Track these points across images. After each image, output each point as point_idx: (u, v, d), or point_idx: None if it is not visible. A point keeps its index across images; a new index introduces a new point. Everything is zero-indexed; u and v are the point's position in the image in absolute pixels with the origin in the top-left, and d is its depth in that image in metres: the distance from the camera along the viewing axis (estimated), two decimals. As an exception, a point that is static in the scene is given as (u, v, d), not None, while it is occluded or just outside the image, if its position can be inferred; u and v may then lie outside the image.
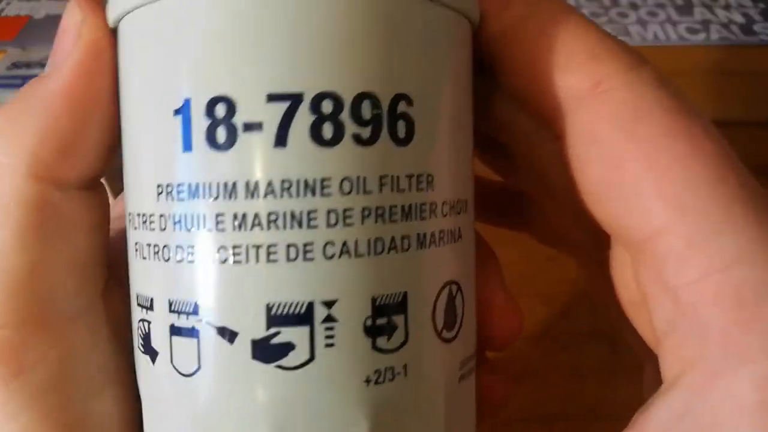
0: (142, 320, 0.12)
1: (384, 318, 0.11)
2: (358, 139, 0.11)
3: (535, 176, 0.15)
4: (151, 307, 0.12)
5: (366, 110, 0.11)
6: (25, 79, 0.34)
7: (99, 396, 0.13)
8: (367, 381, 0.11)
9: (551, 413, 0.28)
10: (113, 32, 0.12)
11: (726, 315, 0.11)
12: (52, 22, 0.39)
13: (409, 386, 0.11)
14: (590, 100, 0.12)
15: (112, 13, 0.12)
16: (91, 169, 0.13)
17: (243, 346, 0.11)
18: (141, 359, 0.12)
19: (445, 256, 0.12)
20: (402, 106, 0.11)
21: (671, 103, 0.12)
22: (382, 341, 0.11)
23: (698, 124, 0.12)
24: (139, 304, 0.12)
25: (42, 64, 0.35)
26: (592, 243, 0.15)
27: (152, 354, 0.12)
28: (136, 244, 0.12)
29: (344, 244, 0.11)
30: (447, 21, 0.12)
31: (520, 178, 0.17)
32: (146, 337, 0.12)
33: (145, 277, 0.12)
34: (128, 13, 0.12)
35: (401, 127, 0.11)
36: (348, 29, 0.11)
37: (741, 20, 0.39)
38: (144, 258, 0.12)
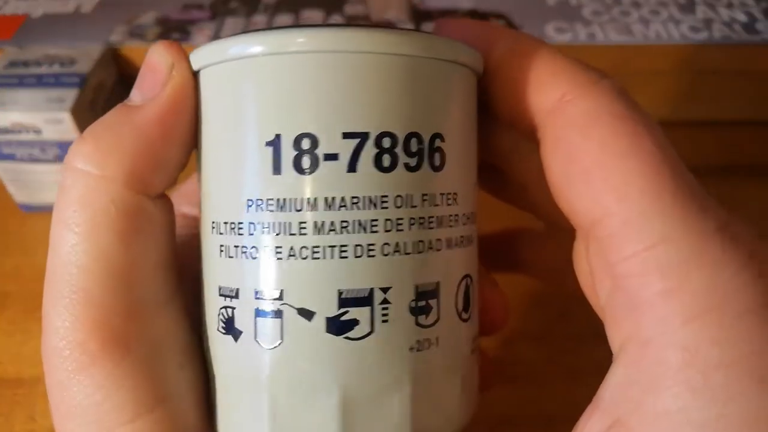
0: (225, 307, 0.15)
1: (423, 301, 0.14)
2: (407, 166, 0.14)
3: (520, 187, 0.19)
4: (236, 296, 0.15)
5: (414, 145, 0.14)
6: (22, 78, 0.34)
7: (181, 372, 0.15)
8: (411, 349, 0.14)
9: (551, 415, 0.28)
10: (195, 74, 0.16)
11: (652, 287, 0.13)
12: (49, 21, 0.39)
13: (439, 354, 0.15)
14: (556, 111, 0.15)
15: (197, 63, 0.15)
16: (172, 182, 0.16)
17: (319, 322, 0.14)
18: (221, 340, 0.15)
19: (463, 255, 0.15)
20: (437, 142, 0.15)
21: (622, 110, 0.14)
22: (422, 319, 0.14)
23: (642, 126, 0.14)
24: (221, 294, 0.15)
25: (39, 63, 0.35)
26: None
27: (235, 333, 0.15)
28: (221, 246, 0.15)
29: (396, 244, 0.14)
30: (463, 76, 0.16)
31: (509, 192, 0.21)
32: (229, 321, 0.15)
33: (230, 272, 0.15)
34: (215, 64, 0.15)
35: (437, 158, 0.15)
36: (400, 86, 0.14)
37: (743, 19, 0.38)
38: (230, 257, 0.15)
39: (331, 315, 0.14)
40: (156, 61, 0.15)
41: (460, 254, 0.15)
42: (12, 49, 0.36)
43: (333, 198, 0.14)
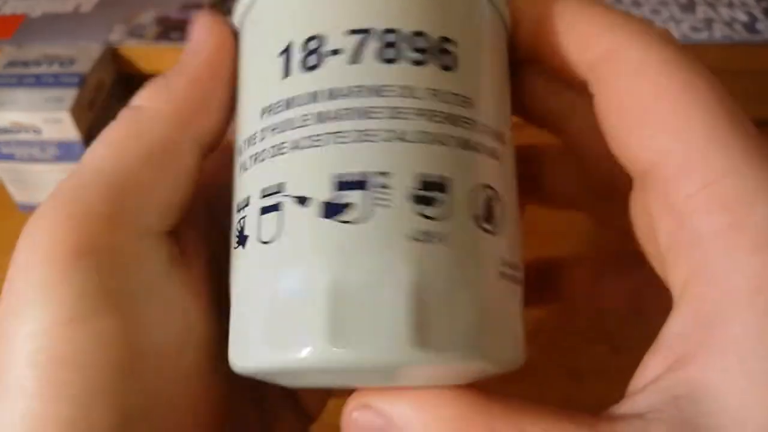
0: (239, 219, 0.15)
1: (430, 192, 0.14)
2: (413, 61, 0.14)
3: (574, 148, 0.19)
4: (247, 204, 0.15)
5: (420, 43, 0.15)
6: (21, 77, 0.34)
7: (150, 294, 0.15)
8: (412, 238, 0.13)
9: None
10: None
11: (718, 220, 0.13)
12: (48, 20, 0.39)
13: (448, 254, 0.13)
14: (606, 61, 0.15)
15: (236, 18, 0.17)
16: (217, 124, 0.17)
17: (314, 208, 0.14)
18: (235, 254, 0.15)
19: (482, 162, 0.15)
20: (446, 44, 0.15)
21: (672, 55, 0.14)
22: (428, 210, 0.13)
23: (693, 68, 0.14)
24: (237, 210, 0.15)
25: (38, 62, 0.35)
26: (595, 198, 0.19)
27: (244, 240, 0.15)
28: (241, 164, 0.16)
29: (398, 131, 0.14)
30: (484, 6, 0.16)
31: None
32: (241, 230, 0.15)
33: (245, 184, 0.15)
34: (248, 10, 0.17)
35: (446, 59, 0.15)
36: None
37: (744, 18, 0.38)
38: (246, 169, 0.15)
39: (325, 199, 0.13)
40: (200, 22, 0.17)
41: (479, 160, 0.14)
42: (11, 48, 0.36)
43: (336, 88, 0.14)
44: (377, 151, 0.14)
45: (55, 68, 0.34)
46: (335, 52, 0.14)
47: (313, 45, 0.15)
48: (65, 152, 0.33)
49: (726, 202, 0.13)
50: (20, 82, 0.33)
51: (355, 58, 0.14)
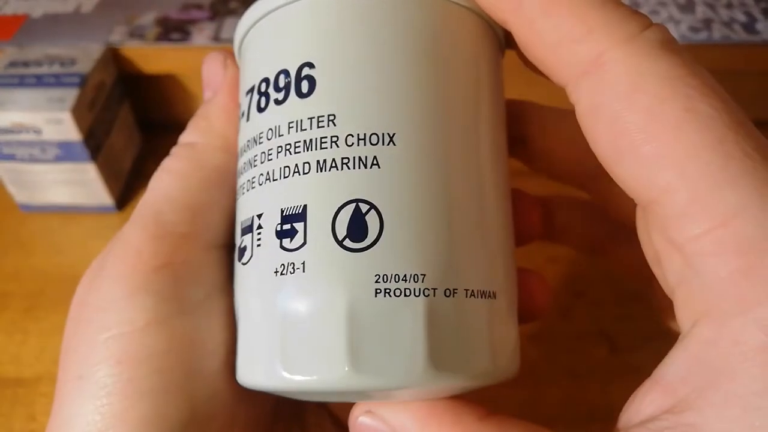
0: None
1: (288, 224, 0.14)
2: (275, 101, 0.15)
3: (549, 158, 0.19)
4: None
5: (281, 81, 0.15)
6: (22, 78, 0.34)
7: (210, 300, 0.17)
8: (275, 272, 0.14)
9: (551, 414, 0.28)
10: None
11: (729, 265, 0.12)
12: (49, 21, 0.39)
13: (308, 281, 0.14)
14: (594, 73, 0.13)
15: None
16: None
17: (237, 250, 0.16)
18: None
19: (349, 177, 0.14)
20: (308, 70, 0.15)
21: (668, 69, 0.13)
22: (287, 242, 0.14)
23: (693, 86, 0.13)
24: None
25: (39, 63, 0.35)
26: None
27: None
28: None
29: (266, 172, 0.15)
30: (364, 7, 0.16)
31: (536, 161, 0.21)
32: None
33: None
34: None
35: (304, 85, 0.15)
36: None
37: (743, 19, 0.38)
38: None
39: (237, 243, 0.16)
40: (214, 62, 0.19)
41: (343, 177, 0.14)
42: (12, 49, 0.36)
43: (242, 146, 0.17)
44: (255, 194, 0.15)
45: (56, 68, 0.34)
46: (242, 113, 0.17)
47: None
48: (66, 152, 0.33)
49: (737, 245, 0.12)
50: (21, 82, 0.33)
51: (247, 116, 0.16)
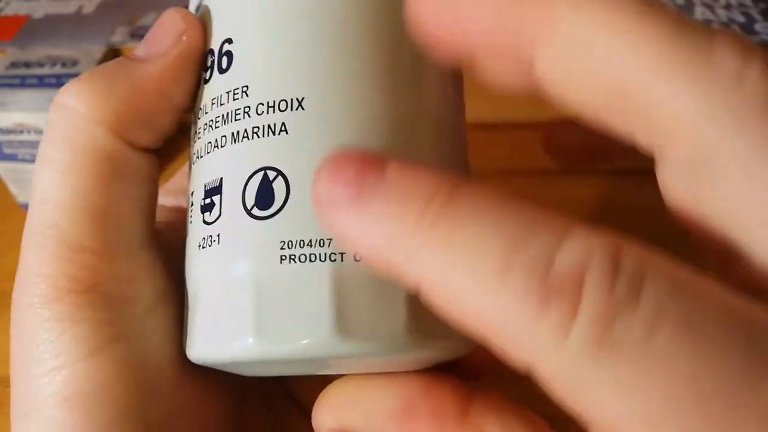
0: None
1: (208, 198, 0.14)
2: (204, 80, 0.15)
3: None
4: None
5: (208, 60, 0.15)
6: (24, 78, 0.34)
7: (153, 313, 0.15)
8: (199, 246, 0.14)
9: (551, 414, 0.28)
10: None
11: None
12: (51, 21, 0.39)
13: (221, 253, 0.14)
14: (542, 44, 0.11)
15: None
16: (157, 140, 0.16)
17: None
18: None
19: (259, 146, 0.14)
20: (227, 46, 0.15)
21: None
22: (207, 216, 0.14)
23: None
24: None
25: (40, 63, 0.35)
26: None
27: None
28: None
29: (197, 151, 0.15)
30: None
31: None
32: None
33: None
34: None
35: (224, 61, 0.15)
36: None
37: (742, 20, 0.39)
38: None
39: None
40: (169, 24, 0.16)
41: (255, 146, 0.14)
42: (13, 49, 0.37)
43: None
44: (191, 171, 0.15)
45: (58, 69, 0.34)
46: None
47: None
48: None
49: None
50: (23, 83, 0.34)
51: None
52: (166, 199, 0.18)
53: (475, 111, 0.19)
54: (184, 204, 0.18)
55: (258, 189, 0.14)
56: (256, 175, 0.14)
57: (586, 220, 0.10)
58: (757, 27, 0.38)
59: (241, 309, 0.13)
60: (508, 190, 0.10)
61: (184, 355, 0.15)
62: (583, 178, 0.38)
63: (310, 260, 0.13)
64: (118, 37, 0.37)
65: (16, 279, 0.15)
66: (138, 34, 0.37)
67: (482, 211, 0.10)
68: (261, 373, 0.16)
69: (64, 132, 0.15)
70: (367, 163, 0.11)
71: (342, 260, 0.13)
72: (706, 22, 0.38)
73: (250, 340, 0.13)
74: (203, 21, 0.16)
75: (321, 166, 0.11)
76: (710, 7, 0.40)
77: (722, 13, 0.39)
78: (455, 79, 0.16)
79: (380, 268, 0.11)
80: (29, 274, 0.14)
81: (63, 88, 0.15)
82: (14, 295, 0.15)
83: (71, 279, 0.14)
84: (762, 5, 0.40)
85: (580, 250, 0.09)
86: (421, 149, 0.15)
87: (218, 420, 0.17)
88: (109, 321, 0.14)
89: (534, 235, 0.10)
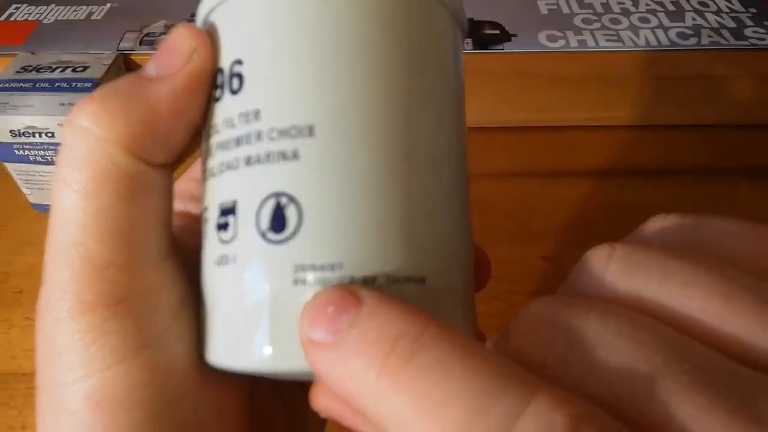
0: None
1: (223, 219, 0.15)
2: (215, 99, 0.16)
3: None
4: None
5: (218, 80, 0.16)
6: (35, 82, 0.35)
7: (173, 321, 0.16)
8: (216, 263, 0.15)
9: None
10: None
11: None
12: (61, 27, 0.40)
13: (238, 274, 0.15)
14: None
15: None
16: (173, 158, 0.16)
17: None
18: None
19: (271, 171, 0.14)
20: (237, 67, 0.15)
21: None
22: (223, 234, 0.15)
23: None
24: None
25: (51, 68, 0.36)
26: None
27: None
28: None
29: (211, 169, 0.16)
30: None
31: None
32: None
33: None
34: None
35: (235, 82, 0.15)
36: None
37: (732, 25, 0.39)
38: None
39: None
40: (178, 41, 0.16)
41: (267, 171, 0.14)
42: (24, 54, 0.38)
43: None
44: (204, 190, 0.16)
45: (69, 74, 0.35)
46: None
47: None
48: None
49: None
50: (34, 87, 0.34)
51: None
52: (174, 204, 0.18)
53: (472, 115, 0.20)
54: (190, 209, 0.19)
55: (272, 214, 0.14)
56: (269, 200, 0.14)
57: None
58: (747, 32, 0.39)
59: (258, 326, 0.14)
60: (473, 343, 0.11)
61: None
62: (582, 179, 0.38)
63: (322, 284, 0.14)
64: (127, 42, 0.38)
65: (42, 294, 0.15)
66: (147, 41, 0.38)
67: (448, 362, 0.11)
68: (275, 378, 0.17)
69: (81, 154, 0.15)
70: (344, 302, 0.12)
71: (352, 283, 0.14)
72: (696, 28, 0.39)
73: (267, 355, 0.14)
74: (211, 37, 0.16)
75: (306, 305, 0.13)
76: (701, 13, 0.41)
77: (712, 19, 0.40)
78: (461, 98, 0.17)
79: (354, 407, 0.12)
80: (57, 290, 0.15)
81: (76, 108, 0.15)
82: (40, 308, 0.15)
83: (99, 294, 0.15)
84: (752, 10, 0.41)
85: (542, 419, 0.10)
86: (430, 178, 0.15)
87: (236, 415, 0.18)
88: (136, 331, 0.15)
89: (497, 398, 0.10)
